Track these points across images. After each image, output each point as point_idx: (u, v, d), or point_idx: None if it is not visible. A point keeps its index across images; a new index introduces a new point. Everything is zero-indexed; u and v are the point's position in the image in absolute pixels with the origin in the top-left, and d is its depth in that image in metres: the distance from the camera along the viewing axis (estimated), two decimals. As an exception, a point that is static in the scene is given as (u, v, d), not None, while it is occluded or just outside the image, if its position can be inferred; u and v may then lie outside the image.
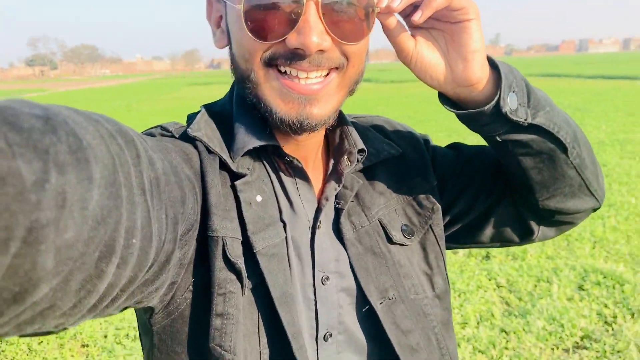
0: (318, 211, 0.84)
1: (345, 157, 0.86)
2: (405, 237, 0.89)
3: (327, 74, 0.76)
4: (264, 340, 0.75)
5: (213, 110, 0.84)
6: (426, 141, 1.01)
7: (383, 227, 0.88)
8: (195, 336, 0.73)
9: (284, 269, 0.76)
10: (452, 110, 0.84)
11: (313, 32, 0.69)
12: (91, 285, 0.43)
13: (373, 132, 0.95)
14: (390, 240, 0.88)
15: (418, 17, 0.75)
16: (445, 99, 0.85)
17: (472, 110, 0.81)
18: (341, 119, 0.89)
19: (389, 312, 0.82)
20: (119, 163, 0.47)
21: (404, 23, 0.80)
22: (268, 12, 0.70)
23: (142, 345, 0.82)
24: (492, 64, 0.81)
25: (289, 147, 0.82)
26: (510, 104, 0.79)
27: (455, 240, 1.02)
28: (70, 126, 0.42)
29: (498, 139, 0.83)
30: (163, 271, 0.59)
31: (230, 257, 0.71)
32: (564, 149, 0.84)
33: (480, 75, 0.79)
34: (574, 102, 16.12)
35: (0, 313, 0.37)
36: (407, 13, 0.78)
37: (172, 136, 0.79)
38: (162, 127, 0.80)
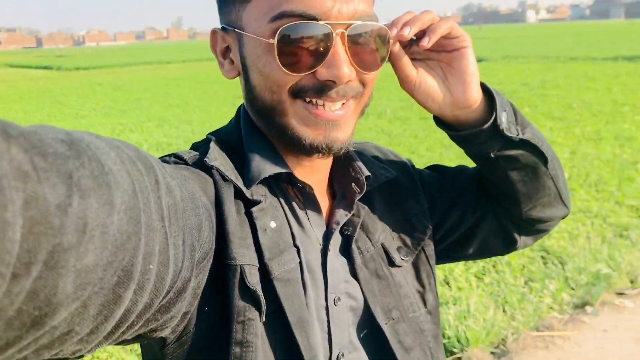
0: (328, 235, 0.86)
1: (354, 184, 0.89)
2: (402, 258, 0.93)
3: (345, 101, 0.79)
4: None
5: (219, 138, 0.86)
6: (412, 165, 1.05)
7: (385, 251, 0.92)
8: None
9: (299, 293, 0.77)
10: (450, 132, 0.91)
11: (344, 65, 0.74)
12: (108, 310, 0.43)
13: (368, 157, 0.97)
14: (392, 263, 0.92)
15: (427, 42, 0.81)
16: (440, 122, 0.92)
17: (474, 130, 0.87)
18: None
19: (394, 332, 0.86)
20: (138, 189, 0.46)
21: None
22: (298, 46, 0.74)
23: None
24: (482, 86, 0.88)
25: (299, 173, 0.84)
26: (504, 122, 0.87)
27: (445, 256, 1.06)
28: (92, 151, 0.42)
29: (492, 155, 0.89)
30: (179, 299, 0.59)
31: (249, 284, 0.72)
32: (545, 161, 0.92)
33: (477, 96, 0.86)
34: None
35: (20, 337, 0.37)
36: (406, 45, 0.86)
37: (186, 164, 0.79)
38: (175, 156, 0.80)
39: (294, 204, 0.84)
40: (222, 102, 13.46)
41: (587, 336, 3.10)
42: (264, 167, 0.80)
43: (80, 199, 0.39)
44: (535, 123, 8.77)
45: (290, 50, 0.74)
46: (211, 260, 0.70)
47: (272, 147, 0.83)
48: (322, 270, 0.83)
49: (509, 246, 1.05)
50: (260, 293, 0.73)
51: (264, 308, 0.73)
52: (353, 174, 0.89)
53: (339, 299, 0.84)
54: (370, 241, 0.90)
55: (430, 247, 0.97)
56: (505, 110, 0.88)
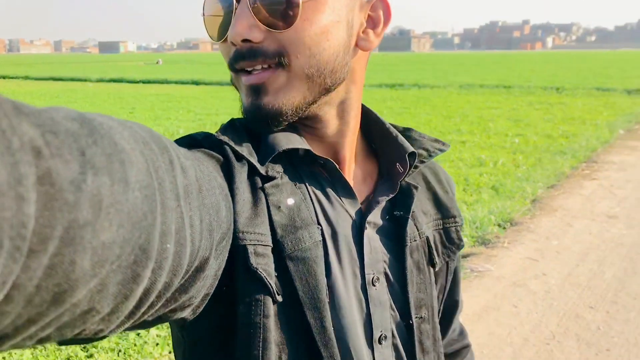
0: (366, 213, 0.82)
1: (398, 164, 0.85)
2: (437, 262, 0.90)
3: (267, 67, 0.75)
4: (302, 347, 0.73)
5: (242, 120, 0.82)
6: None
7: (429, 246, 0.88)
8: (225, 347, 0.72)
9: (315, 272, 0.73)
10: None
11: (237, 24, 0.72)
12: (128, 289, 0.43)
13: (416, 131, 0.92)
14: (431, 260, 0.88)
15: None
16: None
17: None
18: (375, 121, 0.90)
19: (418, 330, 0.84)
20: (152, 168, 0.46)
21: None
22: (216, 17, 0.77)
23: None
24: None
25: (320, 151, 0.82)
26: None
27: None
28: (105, 130, 0.42)
29: None
30: (197, 278, 0.58)
31: (250, 265, 0.69)
32: None
33: None
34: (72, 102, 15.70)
35: (41, 314, 0.37)
36: None
37: (201, 145, 0.76)
38: (190, 137, 0.78)
39: (323, 181, 0.82)
40: None
41: None
42: (278, 143, 0.78)
43: (93, 176, 0.38)
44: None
45: (210, 20, 0.78)
46: (230, 241, 0.68)
47: (291, 126, 0.81)
48: (357, 248, 0.80)
49: None
50: (263, 273, 0.70)
51: (273, 288, 0.71)
52: (394, 151, 0.86)
53: (378, 279, 0.80)
54: (418, 230, 0.86)
55: (453, 263, 0.94)
56: None
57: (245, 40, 0.73)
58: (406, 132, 0.92)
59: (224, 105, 15.31)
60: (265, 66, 0.74)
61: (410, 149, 0.85)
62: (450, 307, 1.00)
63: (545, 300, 3.79)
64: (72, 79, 29.00)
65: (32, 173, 0.34)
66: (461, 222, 0.95)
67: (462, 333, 1.07)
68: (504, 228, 5.27)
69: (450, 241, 0.92)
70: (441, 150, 0.90)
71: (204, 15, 0.79)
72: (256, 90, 0.75)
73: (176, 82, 25.99)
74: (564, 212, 5.74)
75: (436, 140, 0.92)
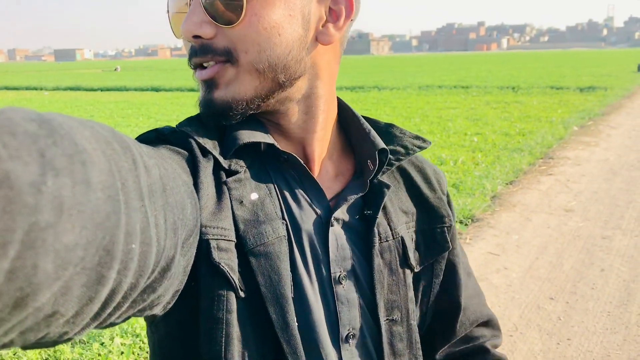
0: (333, 209, 0.80)
1: (369, 161, 0.82)
2: (413, 263, 0.87)
3: (217, 63, 0.76)
4: (267, 342, 0.72)
5: None
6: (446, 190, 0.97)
7: (403, 247, 0.84)
8: (190, 342, 0.72)
9: (278, 268, 0.73)
10: None
11: (187, 21, 0.73)
12: (92, 291, 0.43)
13: (398, 127, 0.89)
14: (406, 261, 0.85)
15: None
16: None
17: None
18: (351, 117, 0.87)
19: (389, 332, 0.82)
20: (115, 168, 0.45)
21: None
22: (180, 14, 0.78)
23: (149, 355, 0.82)
24: None
25: (288, 146, 0.82)
26: None
27: None
28: (65, 130, 0.41)
29: None
30: (164, 278, 0.57)
31: (212, 260, 0.69)
32: None
33: None
34: None
35: (3, 319, 0.36)
36: None
37: (167, 139, 0.75)
38: (157, 132, 0.77)
39: (290, 177, 0.80)
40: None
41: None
42: (241, 136, 0.76)
43: (54, 178, 0.38)
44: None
45: (175, 17, 0.80)
46: (197, 238, 0.67)
47: (257, 121, 0.80)
48: (322, 245, 0.79)
49: None
50: (226, 268, 0.69)
51: (236, 283, 0.70)
52: (366, 149, 0.84)
53: (345, 277, 0.79)
54: (391, 230, 0.83)
55: (439, 265, 0.90)
56: None
57: (197, 37, 0.73)
58: (388, 128, 0.89)
59: (184, 112, 15.14)
60: (216, 62, 0.75)
61: (381, 145, 0.82)
62: (450, 310, 0.94)
63: (507, 294, 3.87)
64: (27, 88, 28.27)
65: None
66: (450, 222, 0.90)
67: (481, 337, 0.99)
68: (466, 225, 5.35)
69: (434, 242, 0.88)
70: (420, 148, 0.87)
71: (168, 12, 0.80)
72: (209, 85, 0.76)
73: (135, 89, 25.52)
74: (523, 207, 5.87)
75: (417, 137, 0.88)
